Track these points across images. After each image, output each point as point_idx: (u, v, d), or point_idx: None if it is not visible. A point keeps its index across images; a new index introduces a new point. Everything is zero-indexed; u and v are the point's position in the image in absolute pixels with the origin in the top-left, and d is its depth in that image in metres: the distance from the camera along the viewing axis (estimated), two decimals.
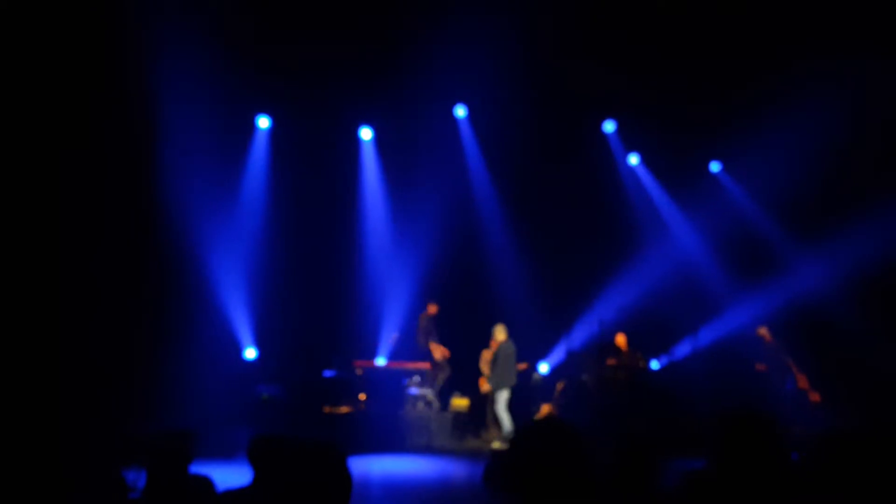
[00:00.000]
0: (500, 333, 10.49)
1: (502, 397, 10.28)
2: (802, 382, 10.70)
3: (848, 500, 2.51)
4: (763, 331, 11.24)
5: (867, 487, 2.48)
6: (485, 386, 10.68)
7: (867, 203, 10.88)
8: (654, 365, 11.71)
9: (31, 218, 9.25)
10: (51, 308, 9.17)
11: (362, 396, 10.74)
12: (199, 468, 3.80)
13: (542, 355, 12.51)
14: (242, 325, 11.58)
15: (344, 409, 10.54)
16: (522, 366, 11.07)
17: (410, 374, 10.97)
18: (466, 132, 12.82)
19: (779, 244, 12.51)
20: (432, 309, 11.46)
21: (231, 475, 4.48)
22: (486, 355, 10.91)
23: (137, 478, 5.62)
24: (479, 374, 11.43)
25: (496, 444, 10.08)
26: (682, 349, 11.83)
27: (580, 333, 12.08)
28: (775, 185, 11.71)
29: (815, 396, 10.61)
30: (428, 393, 10.86)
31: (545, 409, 11.05)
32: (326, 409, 10.40)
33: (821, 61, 9.92)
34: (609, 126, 13.16)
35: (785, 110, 10.57)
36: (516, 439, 2.07)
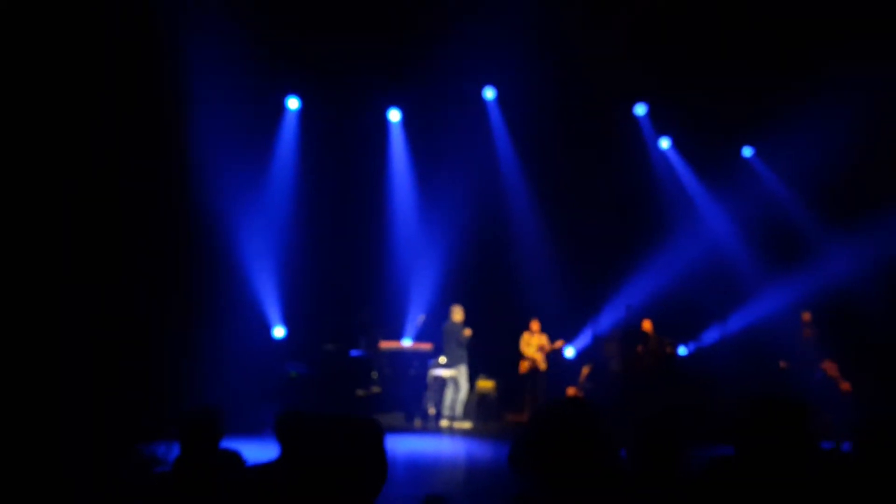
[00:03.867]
0: (454, 314, 10.82)
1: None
2: (832, 371, 10.55)
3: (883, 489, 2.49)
4: (807, 316, 11.01)
5: None
6: (524, 366, 11.28)
7: None
8: (682, 351, 11.64)
9: (59, 200, 9.41)
10: (81, 288, 9.33)
11: (374, 375, 10.87)
12: (228, 444, 3.87)
13: (569, 339, 12.50)
14: (271, 304, 11.71)
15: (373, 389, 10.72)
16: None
17: (436, 354, 11.03)
18: (495, 114, 12.76)
19: (811, 230, 12.30)
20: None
21: (259, 451, 4.56)
22: (526, 338, 11.34)
23: (168, 452, 5.75)
24: (503, 356, 11.52)
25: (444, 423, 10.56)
26: (711, 335, 11.72)
27: (607, 318, 12.02)
28: (808, 171, 11.50)
29: (845, 386, 10.47)
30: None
31: (571, 392, 11.07)
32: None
33: (856, 46, 9.70)
34: (640, 109, 13.00)
35: (818, 95, 10.36)
36: (539, 419, 2.05)
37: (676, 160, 13.23)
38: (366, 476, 2.10)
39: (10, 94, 8.67)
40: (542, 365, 11.43)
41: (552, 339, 11.61)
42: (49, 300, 8.87)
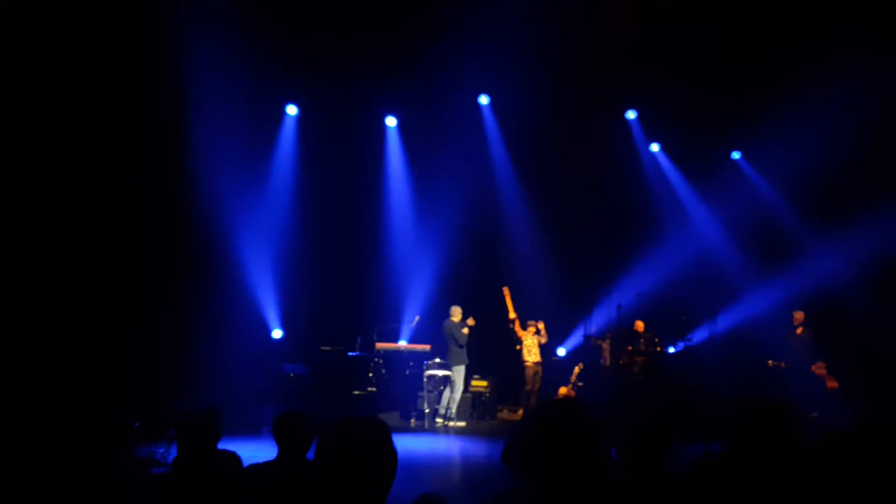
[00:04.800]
0: (454, 315, 10.96)
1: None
2: (820, 369, 10.67)
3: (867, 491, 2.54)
4: (800, 315, 11.10)
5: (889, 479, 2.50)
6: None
7: (886, 191, 10.78)
8: (671, 350, 11.74)
9: (64, 202, 9.50)
10: (83, 289, 9.40)
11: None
12: (226, 444, 3.93)
13: (561, 339, 12.60)
14: (270, 307, 11.79)
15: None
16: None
17: (433, 355, 11.11)
18: (489, 120, 12.85)
19: (798, 232, 12.43)
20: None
21: (257, 451, 4.64)
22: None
23: (167, 453, 5.80)
24: (497, 357, 11.62)
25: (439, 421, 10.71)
26: (700, 335, 11.83)
27: (599, 318, 12.12)
28: (795, 173, 11.66)
29: (832, 383, 10.58)
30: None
31: (563, 391, 11.16)
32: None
33: (843, 51, 9.85)
34: (631, 114, 13.10)
35: (806, 98, 10.51)
36: (532, 418, 2.10)
37: (666, 164, 13.35)
38: (377, 473, 2.17)
39: (14, 98, 8.75)
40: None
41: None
42: (48, 300, 8.95)
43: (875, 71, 10.06)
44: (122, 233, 9.95)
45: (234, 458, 4.02)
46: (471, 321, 10.91)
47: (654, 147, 13.37)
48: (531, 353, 11.35)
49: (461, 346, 10.80)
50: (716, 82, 11.14)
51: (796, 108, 10.67)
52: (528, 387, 11.26)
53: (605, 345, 11.46)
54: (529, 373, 11.26)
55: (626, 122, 13.20)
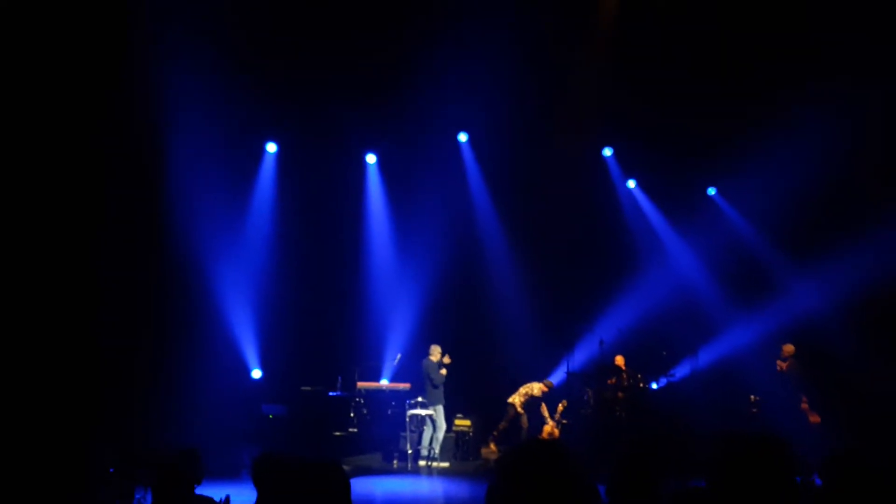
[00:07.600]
0: (432, 354, 10.90)
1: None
2: (802, 404, 10.69)
3: None
4: (790, 348, 11.04)
5: None
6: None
7: (862, 225, 10.96)
8: (654, 385, 11.75)
9: (41, 235, 9.39)
10: (58, 326, 9.25)
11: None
12: (205, 488, 3.86)
13: (545, 376, 12.55)
14: (249, 346, 11.67)
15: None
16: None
17: (413, 394, 11.01)
18: (468, 157, 12.94)
19: (775, 266, 12.56)
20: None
21: (236, 494, 4.55)
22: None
23: (145, 497, 5.70)
24: (480, 395, 11.55)
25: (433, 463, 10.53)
26: (681, 370, 11.85)
27: (581, 354, 12.12)
28: (771, 208, 11.83)
29: (814, 418, 10.60)
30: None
31: (547, 428, 11.11)
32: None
33: (816, 87, 10.09)
34: (607, 151, 13.28)
35: (780, 134, 10.72)
36: (508, 462, 2.02)
37: (643, 199, 13.48)
38: None
39: None
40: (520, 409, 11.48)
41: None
42: (23, 339, 8.81)
43: (850, 103, 10.31)
44: (97, 270, 9.83)
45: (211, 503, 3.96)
46: (446, 359, 10.87)
47: (631, 183, 13.51)
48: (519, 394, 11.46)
49: (436, 387, 10.72)
50: (690, 118, 11.36)
51: (770, 143, 10.89)
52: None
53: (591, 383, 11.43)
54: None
55: (603, 158, 13.35)
